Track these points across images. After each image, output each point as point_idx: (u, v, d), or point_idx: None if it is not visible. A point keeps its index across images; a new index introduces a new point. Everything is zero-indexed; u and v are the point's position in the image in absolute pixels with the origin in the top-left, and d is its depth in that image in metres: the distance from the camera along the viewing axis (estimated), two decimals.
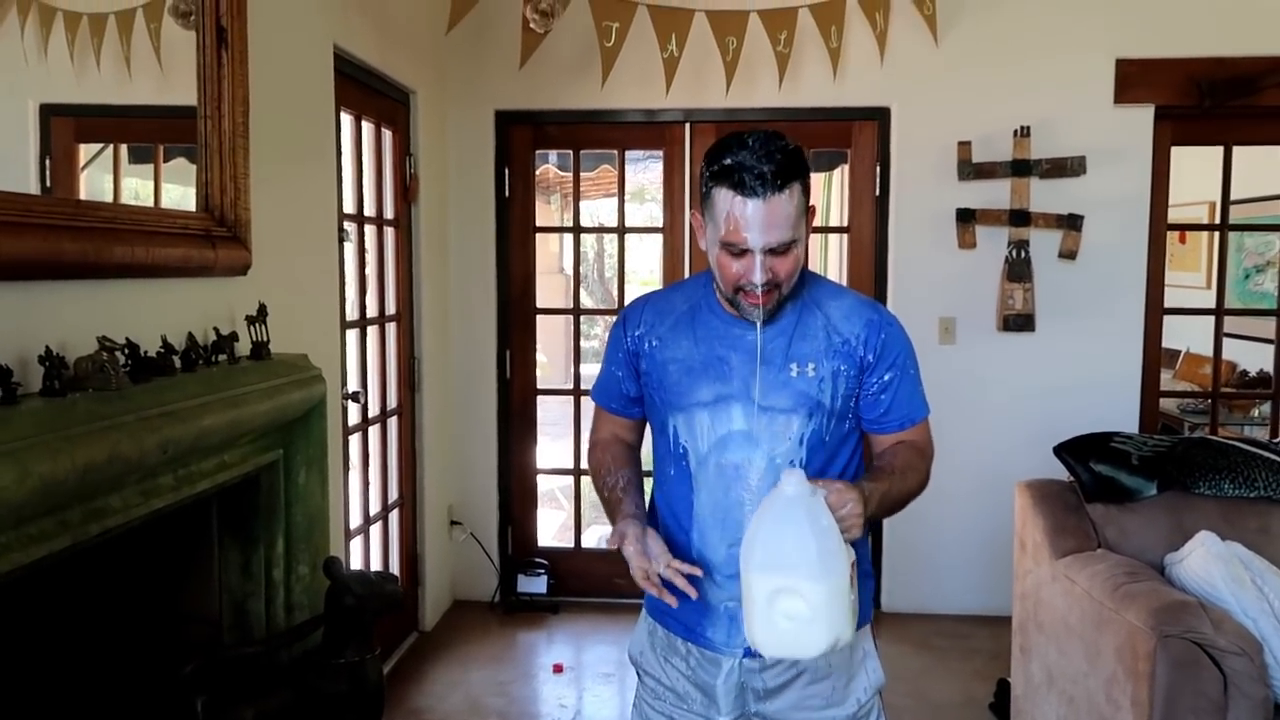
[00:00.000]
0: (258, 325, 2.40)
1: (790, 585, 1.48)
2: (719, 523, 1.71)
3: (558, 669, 3.75)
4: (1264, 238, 6.55)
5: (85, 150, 2.20)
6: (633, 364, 1.81)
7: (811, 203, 1.64)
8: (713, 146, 1.62)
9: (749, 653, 1.72)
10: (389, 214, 3.75)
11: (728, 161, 1.56)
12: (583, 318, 4.80)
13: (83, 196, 2.04)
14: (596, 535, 5.45)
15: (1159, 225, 4.17)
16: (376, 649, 2.40)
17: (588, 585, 4.42)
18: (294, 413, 2.39)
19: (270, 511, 2.41)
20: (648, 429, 1.91)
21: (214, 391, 2.05)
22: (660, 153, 4.36)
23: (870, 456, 1.81)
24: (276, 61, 2.64)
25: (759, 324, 1.65)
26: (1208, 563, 2.39)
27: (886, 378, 1.71)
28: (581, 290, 4.76)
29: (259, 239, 2.49)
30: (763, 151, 1.54)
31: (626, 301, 4.69)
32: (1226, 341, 6.16)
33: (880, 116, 4.20)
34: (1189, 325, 5.67)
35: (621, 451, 1.88)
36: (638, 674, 1.90)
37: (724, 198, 1.57)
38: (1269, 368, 6.53)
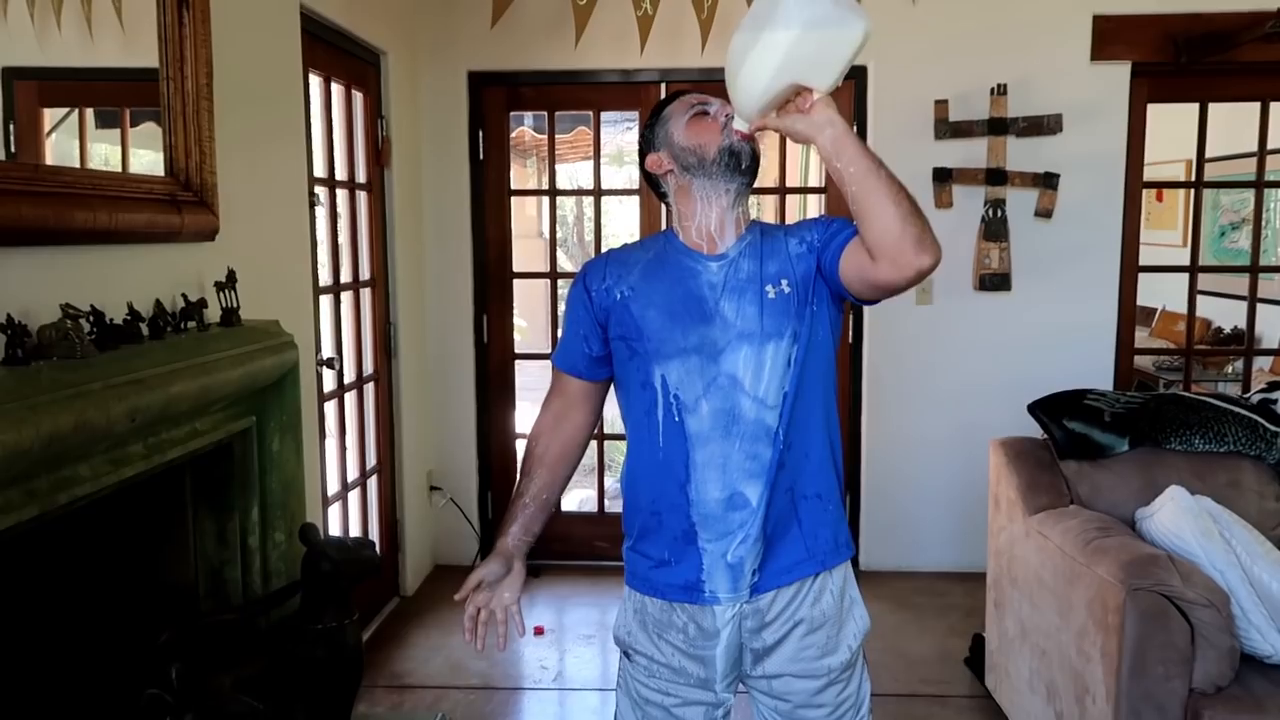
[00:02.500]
0: (227, 291, 2.38)
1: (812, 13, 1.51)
2: (718, 470, 1.69)
3: (539, 631, 3.77)
4: (1239, 195, 6.57)
5: (51, 115, 2.17)
6: (600, 320, 1.77)
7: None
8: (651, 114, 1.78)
9: (750, 594, 1.71)
10: (361, 178, 3.71)
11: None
12: (560, 281, 4.77)
13: (50, 162, 2.00)
14: (577, 499, 5.47)
15: (1135, 183, 4.17)
16: (354, 614, 2.40)
17: (569, 548, 4.44)
18: (266, 379, 2.37)
19: (244, 479, 2.40)
20: (610, 400, 1.89)
21: (183, 359, 2.03)
22: (635, 114, 4.32)
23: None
24: (241, 21, 2.58)
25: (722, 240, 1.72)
26: (1177, 516, 2.42)
27: (831, 226, 1.71)
28: (560, 253, 4.74)
29: (227, 204, 2.45)
30: None
31: None
32: (1202, 299, 6.21)
33: (857, 75, 4.17)
34: (1166, 283, 5.70)
35: (558, 446, 1.86)
36: (625, 654, 1.85)
37: (675, 107, 1.73)
38: (1244, 324, 6.62)
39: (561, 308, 5.59)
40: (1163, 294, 6.65)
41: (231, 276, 2.38)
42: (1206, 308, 5.70)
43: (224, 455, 2.37)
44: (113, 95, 2.32)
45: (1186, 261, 6.78)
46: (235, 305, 2.38)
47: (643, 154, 1.80)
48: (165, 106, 2.25)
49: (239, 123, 2.60)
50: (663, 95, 4.21)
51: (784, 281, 1.69)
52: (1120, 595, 2.21)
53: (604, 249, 4.75)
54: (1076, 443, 2.79)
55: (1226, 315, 6.28)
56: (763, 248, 1.72)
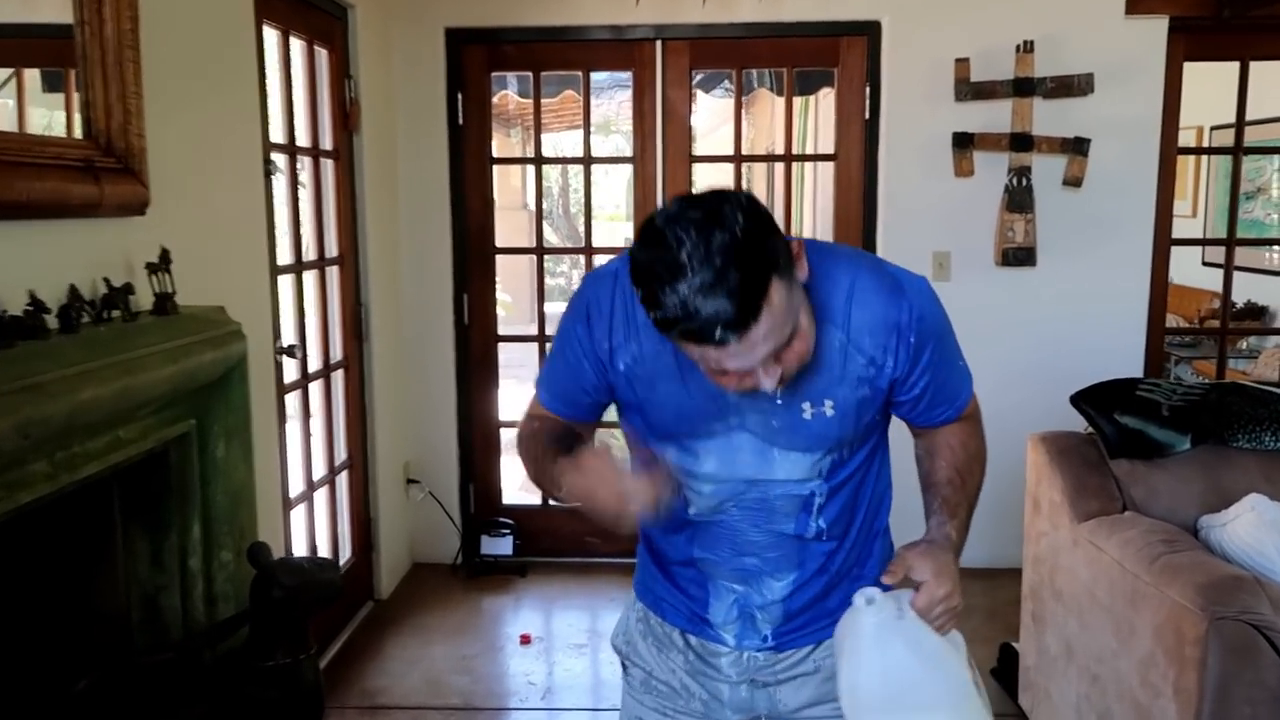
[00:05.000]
0: (160, 274, 2.03)
1: None
2: (726, 542, 1.42)
3: (525, 640, 3.46)
4: (1255, 163, 6.29)
5: None
6: (601, 373, 1.38)
7: (792, 243, 1.18)
8: (639, 262, 1.13)
9: (762, 647, 1.45)
10: (326, 144, 3.35)
11: (671, 314, 1.09)
12: (547, 258, 4.43)
13: None
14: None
15: (1169, 149, 3.85)
16: (312, 648, 2.09)
17: (557, 545, 4.13)
18: (206, 376, 2.04)
19: (183, 492, 2.08)
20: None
21: (98, 356, 1.70)
22: (629, 74, 3.96)
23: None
24: None
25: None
26: (1258, 530, 2.12)
27: (918, 382, 1.35)
28: (546, 226, 4.39)
29: (161, 172, 2.11)
30: (713, 280, 1.06)
31: (594, 240, 4.39)
32: (1209, 271, 5.94)
33: (870, 31, 3.82)
34: (1173, 253, 5.41)
35: (564, 434, 1.45)
36: (623, 665, 1.60)
37: (686, 345, 1.15)
38: (1257, 298, 6.34)
39: (549, 281, 5.23)
40: (1171, 266, 6.39)
41: (165, 257, 2.04)
42: (1211, 280, 5.41)
43: (158, 465, 2.04)
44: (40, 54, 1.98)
45: (1197, 232, 6.58)
46: (170, 290, 2.04)
47: None
48: (81, 57, 1.90)
49: (176, 79, 2.24)
50: (658, 54, 3.87)
51: (828, 404, 1.32)
52: (1201, 624, 1.91)
53: (591, 222, 4.45)
54: (1129, 440, 2.49)
55: (1239, 288, 6.00)
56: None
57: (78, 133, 1.89)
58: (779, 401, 1.30)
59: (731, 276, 1.06)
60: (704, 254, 1.06)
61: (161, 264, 2.03)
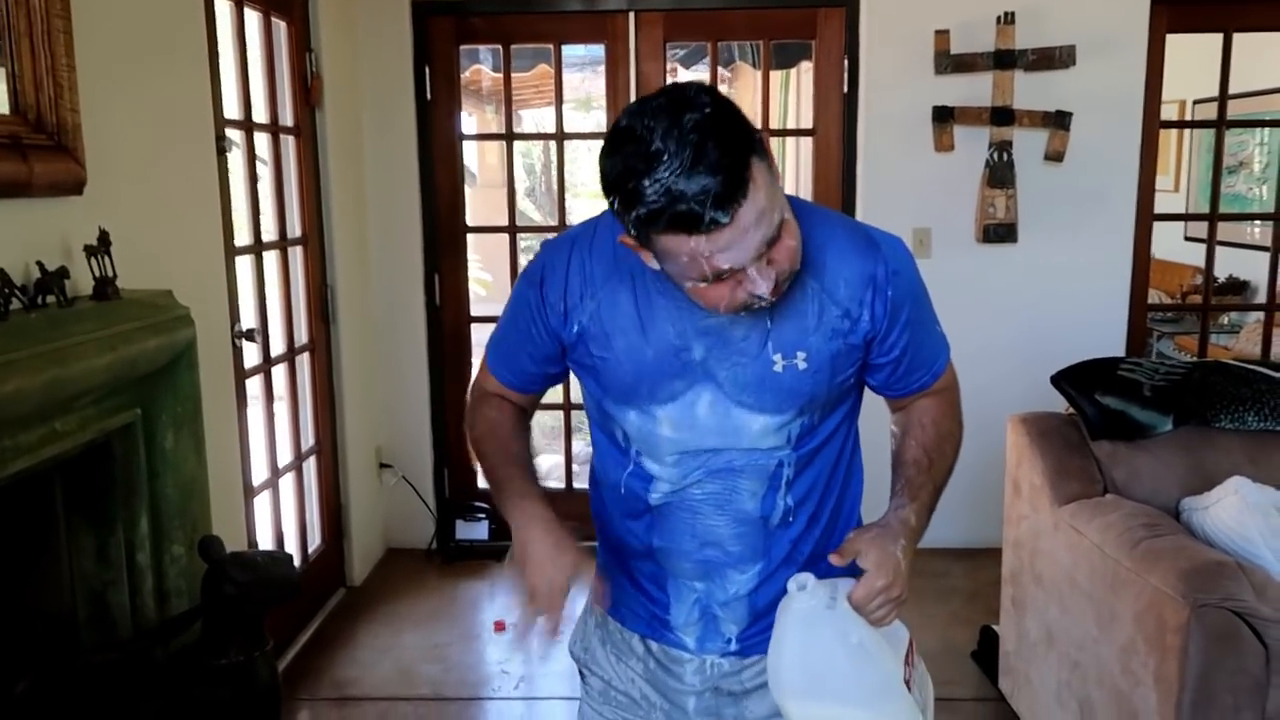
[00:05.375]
0: (100, 257, 1.94)
1: (835, 717, 1.21)
2: (686, 527, 1.33)
3: (499, 627, 3.39)
4: (1238, 136, 6.23)
5: None
6: (554, 339, 1.33)
7: (771, 158, 1.13)
8: (611, 166, 1.08)
9: (726, 653, 1.38)
10: (287, 120, 3.24)
11: (655, 204, 1.04)
12: (521, 236, 4.32)
13: None
14: (544, 467, 5.09)
15: (1152, 123, 3.78)
16: (267, 644, 2.01)
17: None
18: (150, 364, 1.95)
19: (128, 484, 2.00)
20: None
21: (25, 346, 1.61)
22: (601, 46, 3.86)
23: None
24: None
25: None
26: (1241, 513, 2.07)
27: (897, 343, 1.29)
28: (529, 204, 4.29)
29: (100, 150, 2.01)
30: (692, 157, 1.03)
31: (570, 217, 4.29)
32: (1192, 246, 5.89)
33: (848, 2, 3.72)
34: (1155, 229, 5.36)
35: (513, 415, 1.44)
36: (580, 673, 1.52)
37: (676, 243, 1.08)
38: (1239, 273, 6.30)
39: (524, 260, 5.18)
40: (1154, 241, 6.35)
41: (104, 239, 1.94)
42: (1195, 254, 5.36)
43: (101, 457, 1.95)
44: None
45: (1179, 207, 6.53)
46: (111, 274, 1.95)
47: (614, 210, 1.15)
48: (6, 28, 1.79)
49: (117, 53, 2.14)
50: (631, 27, 3.76)
51: (801, 355, 1.25)
52: (1183, 612, 1.85)
53: (567, 200, 4.34)
54: (1111, 421, 2.43)
55: (1220, 263, 5.95)
56: (779, 303, 1.20)
57: (4, 108, 1.79)
58: (744, 340, 1.24)
59: (711, 151, 1.03)
60: (678, 136, 1.03)
61: (101, 246, 1.93)
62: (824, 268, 1.25)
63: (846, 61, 3.76)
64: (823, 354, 1.25)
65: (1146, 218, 3.86)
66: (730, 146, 1.04)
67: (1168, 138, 6.58)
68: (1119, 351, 3.81)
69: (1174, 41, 3.76)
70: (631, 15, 3.76)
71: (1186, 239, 6.11)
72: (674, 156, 1.03)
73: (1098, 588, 2.16)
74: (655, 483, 1.32)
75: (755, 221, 1.07)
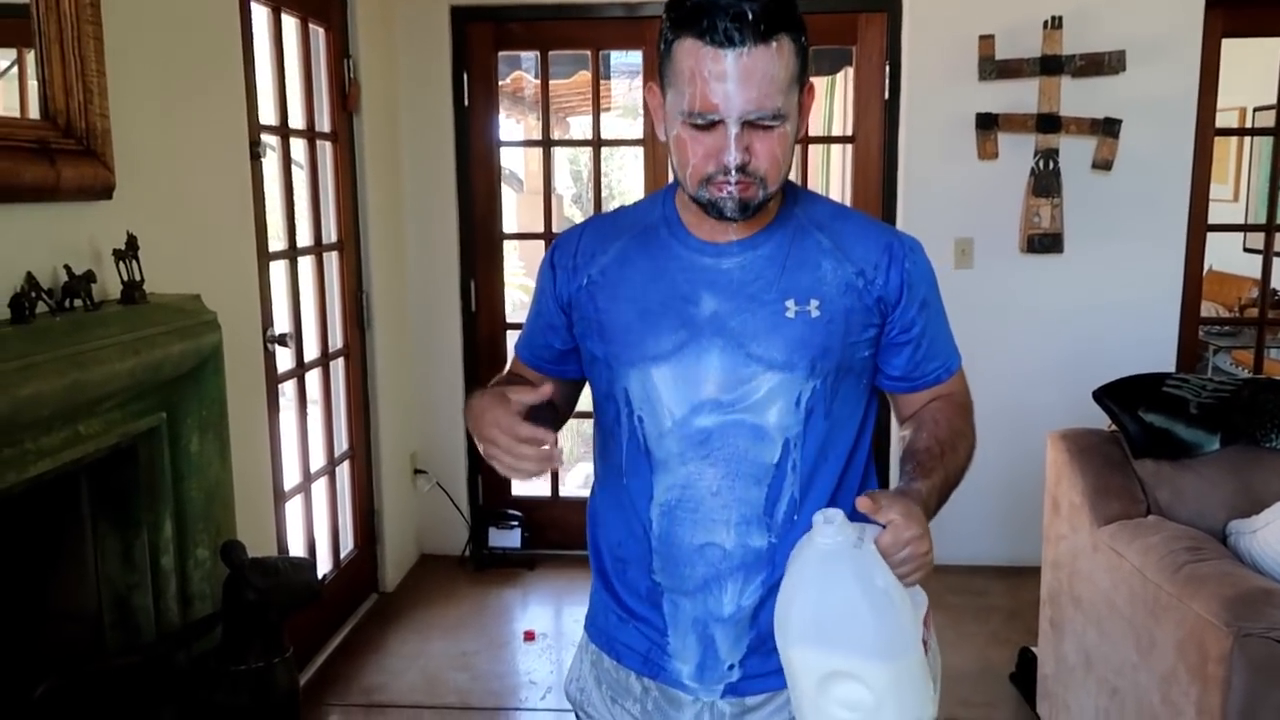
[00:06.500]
0: (128, 261, 1.95)
1: (845, 668, 1.09)
2: (689, 515, 1.28)
3: (529, 637, 3.37)
4: None
5: None
6: (563, 307, 1.37)
7: (810, 79, 1.21)
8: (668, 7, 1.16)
9: (727, 691, 1.31)
10: (324, 126, 3.26)
11: (694, 1, 1.12)
12: None
13: None
14: (580, 476, 5.08)
15: (1205, 130, 3.66)
16: (287, 650, 2.01)
17: (566, 537, 4.03)
18: (175, 369, 1.96)
19: (153, 487, 2.00)
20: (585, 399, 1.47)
21: (47, 349, 1.62)
22: (639, 53, 3.84)
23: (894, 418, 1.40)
24: None
25: (728, 225, 1.24)
26: None
27: (916, 321, 1.29)
28: (575, 210, 4.27)
29: (130, 154, 2.02)
30: None
31: None
32: (1251, 257, 5.70)
33: (890, 7, 3.66)
34: (1213, 240, 5.21)
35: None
36: (576, 716, 1.47)
37: (688, 51, 1.14)
38: None
39: None
40: (1209, 251, 6.18)
41: (132, 243, 1.95)
42: (1252, 267, 5.19)
43: (126, 460, 1.96)
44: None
45: (1239, 218, 6.33)
46: (139, 278, 1.96)
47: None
48: (38, 32, 1.81)
49: (149, 57, 2.16)
50: (665, 22, 3.72)
51: (814, 302, 1.24)
52: (1226, 641, 1.78)
53: (605, 207, 4.33)
54: (1155, 439, 2.34)
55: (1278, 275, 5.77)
56: (791, 253, 1.27)
57: (35, 113, 1.81)
58: (756, 282, 1.25)
59: None
60: None
61: (129, 250, 1.94)
62: (840, 233, 1.29)
63: (888, 67, 3.70)
64: (836, 305, 1.25)
65: (1199, 228, 3.75)
66: (783, 8, 1.13)
67: (1226, 145, 6.40)
68: (1169, 367, 3.70)
69: (1234, 46, 3.64)
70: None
71: (1245, 250, 5.93)
72: None
73: (1138, 613, 2.08)
74: (656, 459, 1.28)
75: (759, 78, 1.12)
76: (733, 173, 1.15)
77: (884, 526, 1.10)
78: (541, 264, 1.41)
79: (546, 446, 1.17)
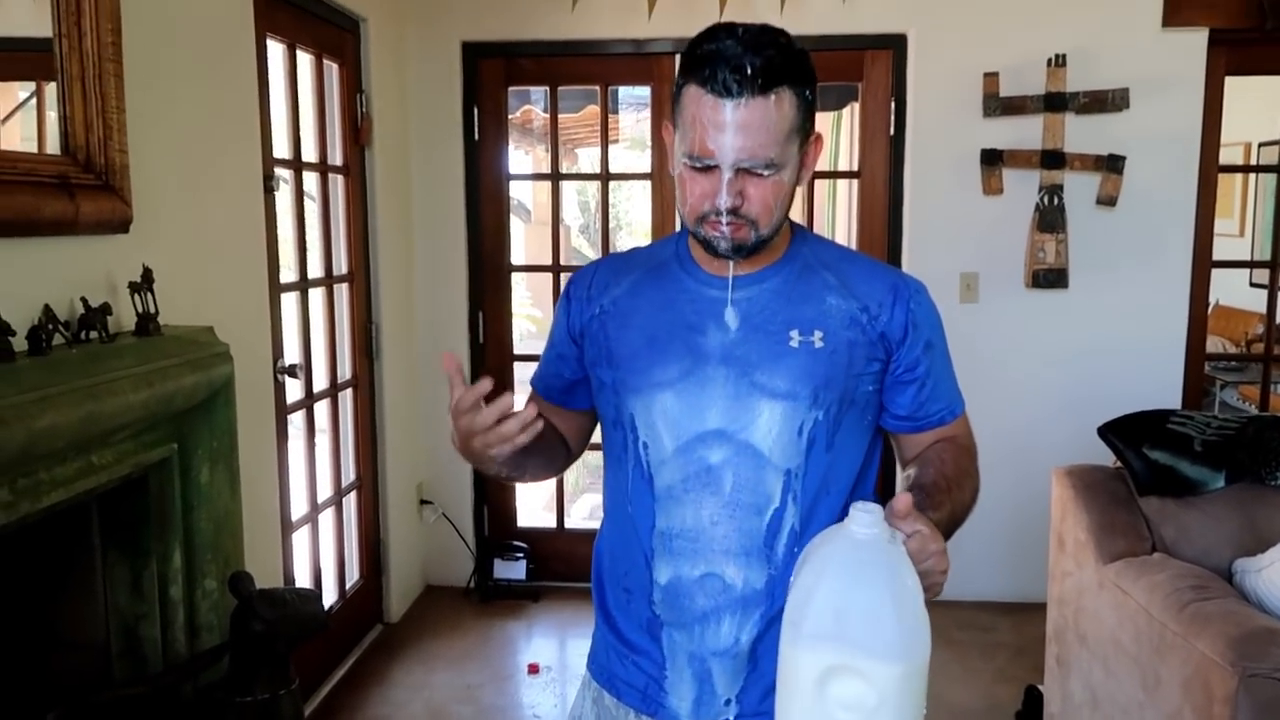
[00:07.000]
0: (143, 294, 1.98)
1: (853, 664, 1.05)
2: (689, 544, 1.29)
3: (533, 670, 3.37)
4: None
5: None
6: (575, 337, 1.42)
7: (817, 131, 1.26)
8: (697, 35, 1.23)
9: None
10: (336, 160, 3.30)
11: (703, 50, 1.18)
12: (564, 275, 4.34)
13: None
14: (586, 508, 5.08)
15: (1209, 167, 3.69)
16: (293, 682, 2.01)
17: (571, 569, 4.03)
18: (187, 400, 1.98)
19: (163, 518, 2.01)
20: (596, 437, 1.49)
21: (62, 381, 1.64)
22: (647, 88, 3.89)
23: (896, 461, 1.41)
24: None
25: (730, 262, 1.28)
26: None
27: (921, 360, 1.32)
28: (583, 240, 4.31)
29: (147, 188, 2.06)
30: (752, 43, 1.17)
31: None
32: (1258, 292, 5.72)
33: (895, 45, 3.71)
34: (1218, 275, 5.23)
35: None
36: None
37: (692, 98, 1.20)
38: None
39: None
40: (1216, 286, 6.19)
41: (148, 276, 1.98)
42: (1259, 301, 5.21)
43: (137, 491, 1.97)
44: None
45: (1244, 254, 6.35)
46: (153, 310, 1.98)
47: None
48: (60, 71, 1.85)
49: (166, 94, 2.20)
50: (677, 69, 3.77)
51: (817, 334, 1.28)
52: (1231, 681, 1.78)
53: (613, 240, 4.37)
54: (1159, 476, 2.35)
55: None
56: (796, 287, 1.32)
57: (54, 146, 1.84)
58: (761, 314, 1.29)
59: (767, 49, 1.17)
60: (756, 34, 1.19)
61: (144, 283, 1.97)
62: (846, 273, 1.33)
63: (894, 104, 3.74)
64: (840, 337, 1.28)
65: (1204, 264, 3.77)
66: (788, 64, 1.18)
67: (1231, 180, 6.43)
68: (1174, 403, 3.71)
69: (1239, 83, 3.68)
70: (678, 58, 3.77)
71: (1252, 285, 5.95)
72: (741, 40, 1.17)
73: (1143, 651, 2.08)
74: (659, 487, 1.29)
75: (755, 129, 1.17)
76: (724, 215, 1.21)
77: (908, 536, 1.09)
78: (559, 298, 1.47)
79: (519, 413, 1.21)
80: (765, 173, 1.20)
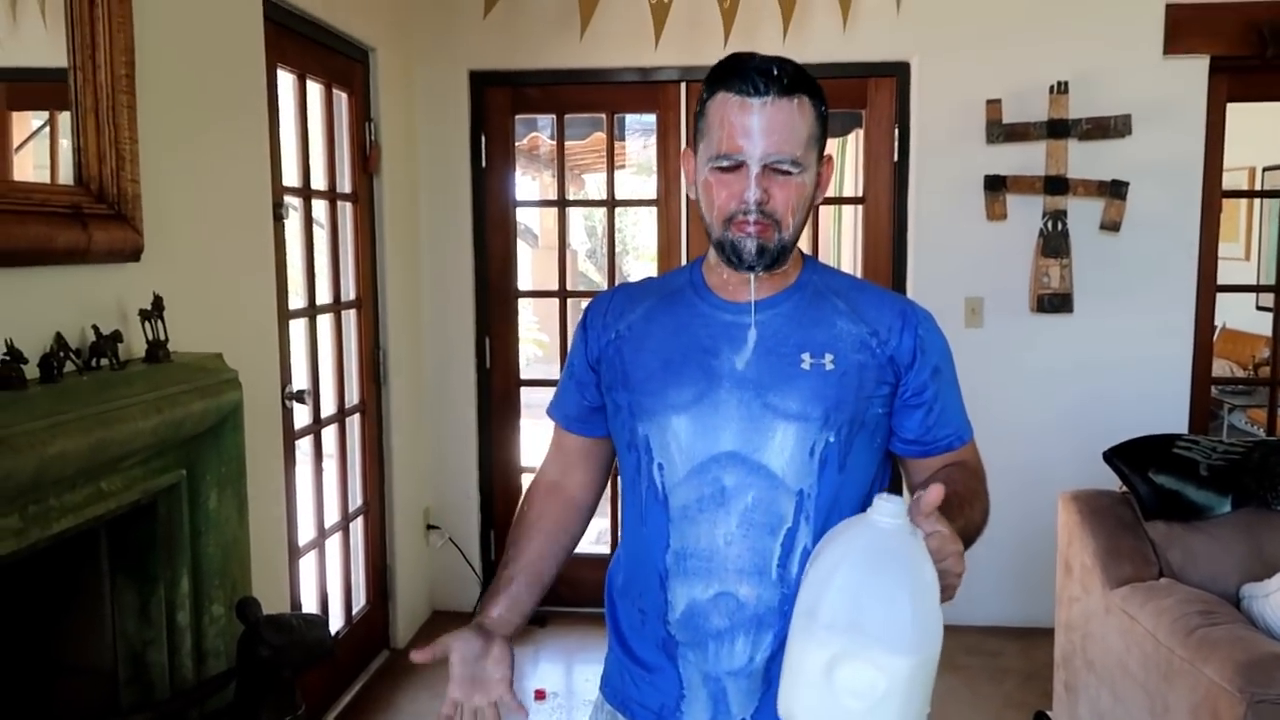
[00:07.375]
0: (154, 321, 2.00)
1: (865, 653, 1.05)
2: (703, 564, 1.31)
3: (539, 695, 3.36)
4: None
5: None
6: (592, 364, 1.45)
7: (828, 153, 1.33)
8: (719, 61, 1.32)
9: None
10: (345, 187, 3.33)
11: (730, 63, 1.29)
12: (570, 300, 4.36)
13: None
14: (592, 533, 5.05)
15: (1213, 192, 3.71)
16: (300, 708, 2.01)
17: (578, 594, 4.00)
18: (195, 426, 1.99)
19: (171, 544, 2.02)
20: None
21: (74, 408, 1.66)
22: (653, 116, 3.92)
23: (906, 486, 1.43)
24: (179, 4, 2.22)
25: (753, 267, 1.31)
26: None
27: (929, 385, 1.34)
28: (590, 265, 4.34)
29: (158, 217, 2.08)
30: (773, 58, 1.28)
31: (620, 281, 4.34)
32: (1264, 316, 5.72)
33: (899, 72, 3.74)
34: (1225, 298, 5.22)
35: (555, 511, 1.51)
36: None
37: (720, 103, 1.28)
38: None
39: (572, 328, 5.26)
40: (1222, 310, 6.19)
41: (158, 303, 2.00)
42: (1265, 325, 5.20)
43: (145, 517, 1.99)
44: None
45: (1250, 277, 6.35)
46: (163, 338, 2.01)
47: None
48: (74, 103, 1.88)
49: (177, 124, 2.23)
50: (683, 96, 3.82)
51: (828, 356, 1.31)
52: (1239, 707, 1.77)
53: (619, 264, 4.40)
54: (1166, 501, 2.35)
55: None
56: (808, 312, 1.35)
57: (67, 176, 1.87)
58: (773, 338, 1.32)
59: (789, 68, 1.27)
60: (775, 57, 1.28)
61: (155, 311, 1.99)
62: (856, 300, 1.37)
63: (897, 130, 3.76)
64: (850, 360, 1.31)
65: (1209, 288, 3.77)
66: (806, 80, 1.27)
67: (1236, 206, 6.45)
68: (1181, 427, 3.70)
69: (1243, 108, 3.70)
70: (683, 85, 3.82)
71: (1258, 309, 5.95)
72: (764, 59, 1.27)
73: (1151, 677, 2.07)
74: (673, 507, 1.32)
75: (781, 126, 1.24)
76: (752, 210, 1.26)
77: (928, 535, 1.10)
78: (577, 327, 1.50)
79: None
80: (791, 170, 1.26)
